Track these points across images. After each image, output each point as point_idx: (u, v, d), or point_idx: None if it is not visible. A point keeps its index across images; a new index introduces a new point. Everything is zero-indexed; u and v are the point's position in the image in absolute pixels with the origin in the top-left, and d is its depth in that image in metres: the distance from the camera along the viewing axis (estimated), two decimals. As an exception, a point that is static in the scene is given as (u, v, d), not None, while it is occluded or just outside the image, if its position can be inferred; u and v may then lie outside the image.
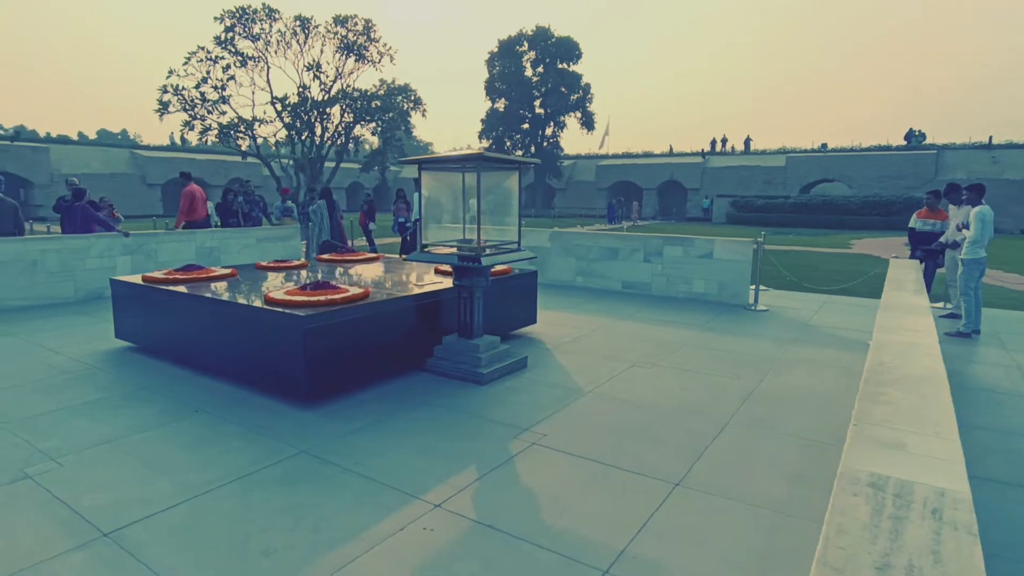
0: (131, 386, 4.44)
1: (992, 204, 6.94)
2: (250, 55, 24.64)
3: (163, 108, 23.09)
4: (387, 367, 4.61)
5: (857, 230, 29.84)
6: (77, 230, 8.21)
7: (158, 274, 5.44)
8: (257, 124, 26.58)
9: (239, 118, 24.91)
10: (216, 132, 24.14)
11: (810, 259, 16.51)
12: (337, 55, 26.92)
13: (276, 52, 25.40)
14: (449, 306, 4.98)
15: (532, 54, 46.42)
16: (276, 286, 4.99)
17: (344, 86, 27.14)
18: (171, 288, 4.97)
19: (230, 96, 25.21)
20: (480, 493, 2.88)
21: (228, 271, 5.76)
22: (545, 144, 47.62)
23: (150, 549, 2.41)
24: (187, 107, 23.40)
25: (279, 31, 25.09)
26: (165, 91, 22.96)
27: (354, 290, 4.58)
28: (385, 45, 27.17)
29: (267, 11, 24.44)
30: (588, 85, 46.40)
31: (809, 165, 40.25)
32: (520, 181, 4.88)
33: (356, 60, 26.78)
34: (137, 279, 5.41)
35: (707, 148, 47.36)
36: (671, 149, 48.24)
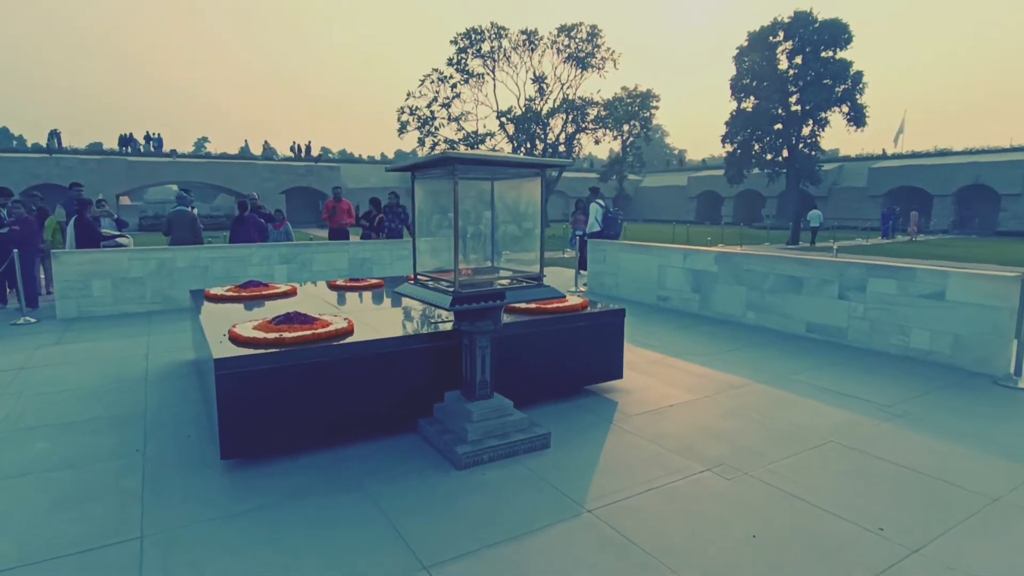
0: (140, 407, 4.29)
1: None
2: (477, 72, 26.04)
3: (402, 127, 25.76)
4: (365, 424, 3.69)
5: None
6: (246, 240, 9.02)
7: (219, 290, 5.37)
8: (489, 138, 28.04)
9: (468, 133, 26.53)
10: (444, 148, 26.09)
11: None
12: (562, 65, 26.95)
13: (500, 67, 26.44)
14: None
15: (788, 44, 40.85)
16: (270, 314, 4.35)
17: (566, 95, 27.04)
18: (211, 304, 4.78)
19: (466, 113, 27.03)
20: None
21: (288, 288, 5.47)
22: (800, 146, 41.58)
23: None
24: (420, 126, 25.73)
25: (504, 48, 26.08)
26: (403, 112, 25.63)
27: (336, 324, 3.76)
28: (609, 50, 26.32)
29: (495, 30, 25.56)
30: (859, 73, 39.07)
31: None
32: (544, 187, 3.51)
33: (580, 68, 26.44)
34: (203, 293, 5.41)
35: (1035, 141, 36.20)
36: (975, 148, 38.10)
